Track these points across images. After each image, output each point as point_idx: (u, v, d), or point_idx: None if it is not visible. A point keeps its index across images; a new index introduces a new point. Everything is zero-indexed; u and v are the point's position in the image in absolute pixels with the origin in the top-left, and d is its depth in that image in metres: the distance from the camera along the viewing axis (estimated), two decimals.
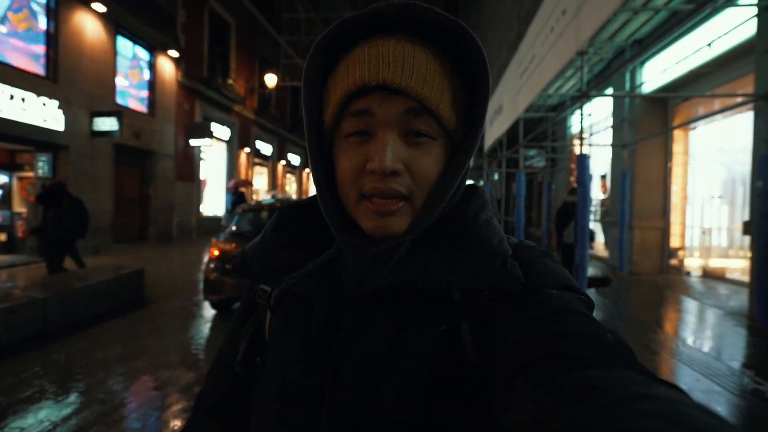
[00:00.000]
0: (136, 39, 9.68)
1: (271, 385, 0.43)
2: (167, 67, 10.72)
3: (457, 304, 0.38)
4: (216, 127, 12.45)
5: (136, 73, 9.89)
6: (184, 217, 11.52)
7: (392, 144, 0.38)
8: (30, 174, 8.23)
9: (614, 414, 0.22)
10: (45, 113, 7.33)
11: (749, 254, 4.29)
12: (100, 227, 8.63)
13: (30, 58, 7.24)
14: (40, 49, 7.43)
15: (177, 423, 2.41)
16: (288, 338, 0.43)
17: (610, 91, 7.48)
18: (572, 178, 10.25)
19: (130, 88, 9.66)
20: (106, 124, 8.28)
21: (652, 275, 6.78)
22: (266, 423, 0.43)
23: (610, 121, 7.88)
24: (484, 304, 0.38)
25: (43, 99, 7.28)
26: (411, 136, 0.39)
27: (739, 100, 4.80)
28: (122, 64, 9.33)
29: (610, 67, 7.61)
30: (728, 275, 6.21)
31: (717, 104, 5.94)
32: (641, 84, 6.96)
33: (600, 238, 8.53)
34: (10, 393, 2.69)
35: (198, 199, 12.30)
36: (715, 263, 6.54)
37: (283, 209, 0.51)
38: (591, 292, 5.34)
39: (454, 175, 0.40)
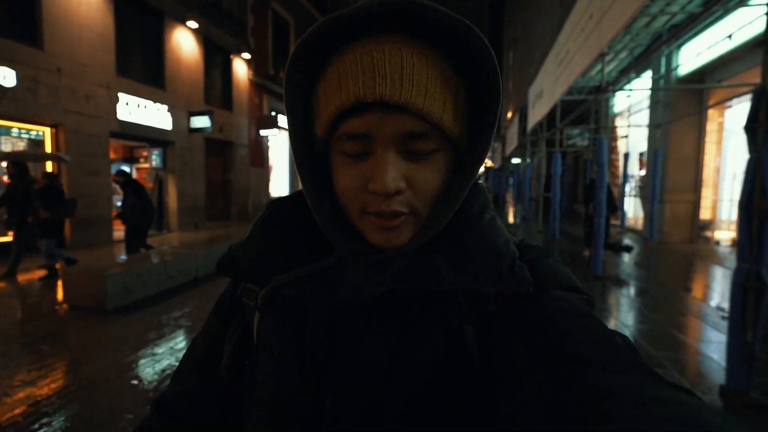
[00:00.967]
0: (218, 48, 11.33)
1: (262, 397, 0.41)
2: (241, 67, 12.35)
3: (461, 307, 0.37)
4: (281, 118, 14.07)
5: (218, 75, 11.60)
6: (257, 198, 13.36)
7: (392, 163, 0.35)
8: (145, 165, 10.24)
9: (628, 419, 0.22)
10: (158, 116, 9.16)
11: None
12: (197, 207, 10.58)
13: (148, 73, 9.05)
14: (153, 64, 9.21)
15: None
16: (280, 345, 0.41)
17: (646, 75, 7.94)
18: (613, 156, 10.71)
19: (213, 88, 11.40)
20: (200, 122, 10.04)
21: (681, 245, 7.40)
22: None
23: (647, 102, 8.33)
24: (488, 307, 0.37)
25: (158, 105, 9.10)
26: (412, 152, 0.36)
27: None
28: (208, 68, 11.04)
29: (649, 50, 8.01)
30: None
31: (755, 80, 6.35)
32: (677, 67, 7.39)
33: (633, 212, 9.12)
34: (169, 324, 3.79)
35: (267, 182, 14.11)
36: None
37: (271, 204, 0.48)
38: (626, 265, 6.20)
39: (462, 186, 0.38)
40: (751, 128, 2.19)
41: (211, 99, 11.21)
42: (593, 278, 5.08)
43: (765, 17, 2.35)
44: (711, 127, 7.37)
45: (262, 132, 13.28)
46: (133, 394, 2.45)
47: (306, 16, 16.25)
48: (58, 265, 5.20)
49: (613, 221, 7.80)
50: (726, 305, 4.00)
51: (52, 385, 2.53)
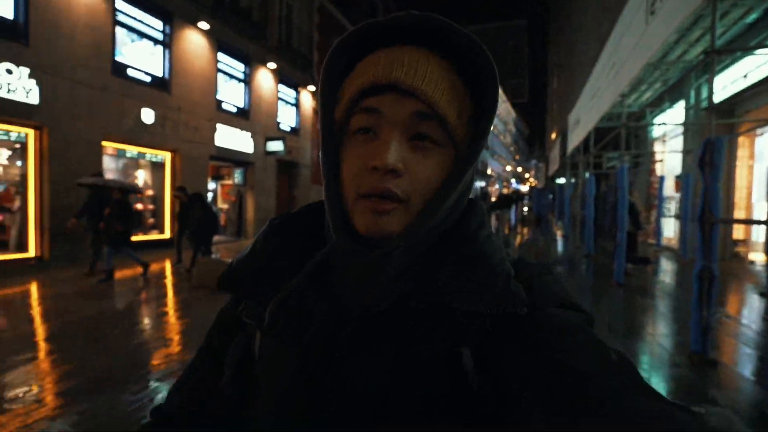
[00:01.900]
0: (289, 82, 13.28)
1: (262, 412, 0.42)
2: (306, 98, 14.25)
3: (459, 325, 0.37)
4: None
5: (288, 106, 13.53)
6: None
7: (396, 143, 0.38)
8: (228, 182, 12.18)
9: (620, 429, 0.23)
10: (243, 142, 11.06)
11: None
12: (269, 218, 12.31)
13: (237, 107, 11.02)
14: (241, 100, 11.19)
15: None
16: (280, 360, 0.42)
17: (680, 104, 8.59)
18: (651, 179, 11.19)
19: (287, 118, 13.31)
20: (275, 146, 11.87)
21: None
22: None
23: (682, 129, 8.93)
24: (485, 325, 0.37)
25: (243, 132, 11.02)
26: (416, 140, 0.39)
27: None
28: (281, 100, 12.99)
29: (682, 81, 8.68)
30: None
31: None
32: (705, 98, 8.02)
33: (673, 231, 9.58)
34: None
35: None
36: None
37: (273, 220, 0.50)
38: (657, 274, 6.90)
39: (453, 183, 0.40)
40: (701, 166, 3.15)
41: (283, 126, 13.10)
42: (615, 284, 5.90)
43: None
44: (742, 152, 7.88)
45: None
46: None
47: None
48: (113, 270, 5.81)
49: (644, 238, 8.37)
50: (726, 309, 4.70)
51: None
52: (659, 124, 8.37)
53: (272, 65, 11.92)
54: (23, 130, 6.41)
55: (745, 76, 6.69)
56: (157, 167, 9.08)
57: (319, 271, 0.43)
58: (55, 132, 6.59)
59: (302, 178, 14.14)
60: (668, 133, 9.72)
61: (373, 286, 0.40)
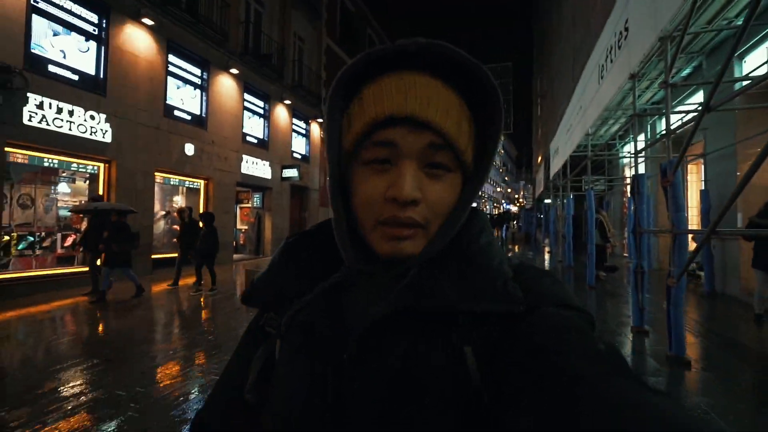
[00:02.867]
0: (301, 116, 14.79)
1: (275, 416, 0.44)
2: (315, 129, 15.75)
3: (462, 328, 0.38)
4: None
5: (300, 136, 15.00)
6: None
7: (413, 174, 0.39)
8: (247, 205, 13.43)
9: (610, 421, 0.25)
10: (263, 169, 12.41)
11: None
12: (284, 237, 13.55)
13: (258, 139, 12.43)
14: (261, 132, 12.62)
15: None
16: (293, 368, 0.44)
17: (641, 137, 10.19)
18: (624, 199, 12.76)
19: (299, 147, 14.75)
20: (290, 172, 13.23)
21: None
22: None
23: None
24: (487, 328, 0.38)
25: (263, 161, 12.38)
26: (429, 168, 0.41)
27: None
28: (295, 132, 14.45)
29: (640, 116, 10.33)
30: None
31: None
32: (660, 132, 9.63)
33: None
34: None
35: None
36: None
37: (290, 238, 0.52)
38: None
39: (465, 204, 0.43)
40: (632, 193, 4.55)
41: (296, 154, 14.51)
42: (588, 288, 7.25)
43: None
44: (691, 178, 9.44)
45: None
46: None
47: None
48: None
49: (611, 250, 9.74)
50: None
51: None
52: (620, 157, 9.91)
53: (288, 101, 13.43)
54: (95, 164, 7.67)
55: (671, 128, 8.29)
56: (193, 192, 10.34)
57: (332, 290, 0.45)
58: (120, 165, 7.86)
59: (311, 201, 15.47)
60: (631, 160, 11.32)
61: (384, 300, 0.41)
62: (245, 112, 11.73)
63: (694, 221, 9.48)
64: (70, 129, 6.88)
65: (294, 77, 13.88)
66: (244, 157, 11.56)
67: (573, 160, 10.67)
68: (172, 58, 9.20)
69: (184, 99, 9.64)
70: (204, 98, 10.20)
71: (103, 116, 7.43)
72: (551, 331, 0.35)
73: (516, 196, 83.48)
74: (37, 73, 6.41)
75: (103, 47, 7.57)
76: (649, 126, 9.78)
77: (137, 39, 8.19)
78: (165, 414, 2.66)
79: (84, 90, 7.16)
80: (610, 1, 6.19)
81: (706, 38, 6.29)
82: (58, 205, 7.25)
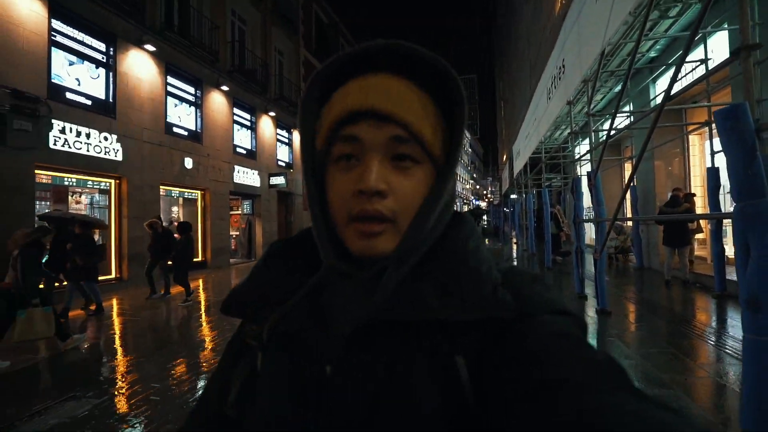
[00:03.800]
0: (284, 125, 15.67)
1: (258, 428, 0.42)
2: (297, 138, 16.62)
3: (451, 336, 0.37)
4: None
5: (284, 145, 15.89)
6: None
7: (377, 166, 0.40)
8: (238, 212, 14.18)
9: None
10: (253, 178, 13.25)
11: None
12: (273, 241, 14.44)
13: (247, 150, 13.25)
14: (249, 143, 13.44)
15: None
16: (276, 381, 0.42)
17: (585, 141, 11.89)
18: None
19: (283, 155, 15.64)
20: (278, 180, 14.10)
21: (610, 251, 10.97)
22: None
23: None
24: (477, 335, 0.37)
25: (253, 171, 13.22)
26: (396, 160, 0.41)
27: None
28: (279, 142, 15.34)
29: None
30: None
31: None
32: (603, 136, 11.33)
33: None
34: None
35: None
36: None
37: (272, 245, 0.51)
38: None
39: (434, 198, 0.42)
40: (571, 192, 5.93)
41: (280, 162, 15.39)
42: (547, 269, 8.71)
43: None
44: (627, 175, 11.20)
45: None
46: None
47: None
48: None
49: (565, 238, 11.36)
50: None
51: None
52: (573, 161, 11.56)
53: (272, 113, 14.31)
54: (108, 180, 8.38)
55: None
56: (190, 203, 11.08)
57: (311, 294, 0.44)
58: (130, 181, 8.59)
59: (296, 205, 16.37)
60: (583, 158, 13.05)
61: (364, 304, 0.40)
62: (234, 125, 12.54)
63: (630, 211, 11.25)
64: (87, 150, 7.60)
65: (276, 90, 14.75)
66: (236, 167, 12.37)
67: (532, 160, 12.26)
68: (170, 79, 9.94)
69: (181, 116, 10.39)
70: (198, 114, 10.97)
71: (114, 137, 8.15)
72: (545, 338, 0.34)
73: (484, 192, 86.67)
74: (58, 101, 7.11)
75: (111, 73, 8.29)
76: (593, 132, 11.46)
77: (140, 64, 8.92)
78: None
79: (97, 113, 7.87)
80: (556, 27, 7.64)
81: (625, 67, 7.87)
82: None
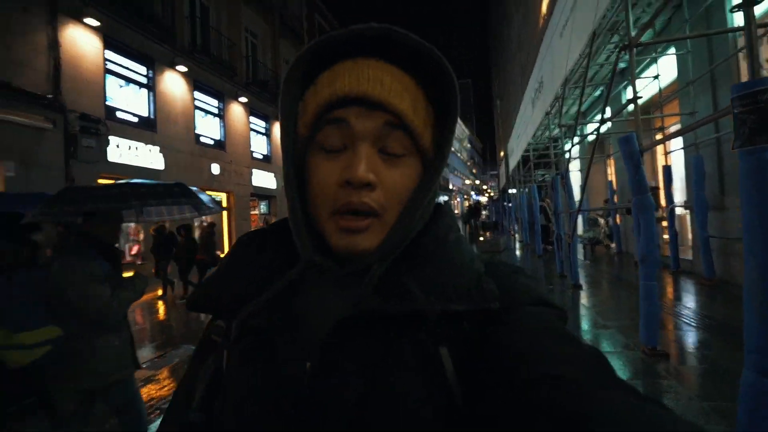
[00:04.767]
0: None
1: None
2: None
3: (435, 328, 0.37)
4: None
5: None
6: None
7: (367, 156, 0.38)
8: (255, 212, 15.39)
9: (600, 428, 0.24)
10: (270, 180, 14.45)
11: None
12: None
13: (263, 155, 14.45)
14: (265, 149, 14.64)
15: None
16: (244, 380, 0.40)
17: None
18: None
19: None
20: None
21: (599, 247, 12.15)
22: None
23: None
24: (462, 326, 0.37)
25: (269, 174, 14.43)
26: (386, 152, 0.39)
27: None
28: None
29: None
30: None
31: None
32: (585, 135, 12.48)
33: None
34: None
35: None
36: None
37: (242, 237, 0.48)
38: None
39: (423, 192, 0.40)
40: (552, 188, 7.10)
41: None
42: (536, 257, 9.91)
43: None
44: (610, 169, 12.36)
45: None
46: None
47: None
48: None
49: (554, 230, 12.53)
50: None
51: None
52: (557, 159, 12.72)
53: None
54: None
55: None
56: (218, 204, 12.29)
57: (287, 289, 0.42)
58: None
59: None
60: (573, 155, 14.22)
61: (345, 300, 0.39)
62: (251, 132, 13.72)
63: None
64: (136, 161, 8.80)
65: None
66: (255, 171, 13.57)
67: (525, 158, 13.44)
68: (197, 94, 11.13)
69: (207, 128, 11.58)
70: (222, 125, 12.16)
71: (156, 148, 9.35)
72: (530, 332, 0.34)
73: (484, 187, 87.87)
74: (112, 120, 8.31)
75: (151, 93, 9.48)
76: (578, 129, 12.61)
77: (174, 82, 10.11)
78: None
79: (142, 129, 9.07)
80: (540, 41, 8.79)
81: (599, 76, 9.01)
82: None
